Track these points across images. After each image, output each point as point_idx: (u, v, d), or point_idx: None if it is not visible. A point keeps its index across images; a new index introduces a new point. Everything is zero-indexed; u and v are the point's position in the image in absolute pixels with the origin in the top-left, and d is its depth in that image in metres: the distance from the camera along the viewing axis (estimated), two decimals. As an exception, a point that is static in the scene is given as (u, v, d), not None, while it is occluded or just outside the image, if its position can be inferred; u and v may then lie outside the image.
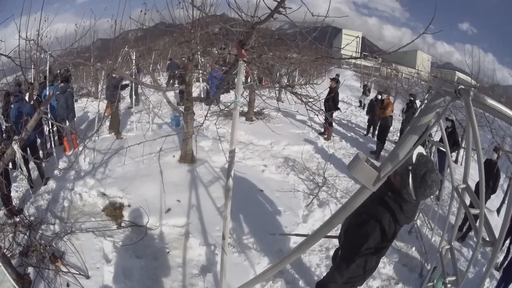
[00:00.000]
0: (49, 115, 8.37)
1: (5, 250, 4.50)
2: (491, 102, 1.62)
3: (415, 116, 1.94)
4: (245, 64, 3.81)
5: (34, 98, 9.23)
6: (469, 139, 1.88)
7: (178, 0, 7.27)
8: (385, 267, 5.66)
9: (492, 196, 7.76)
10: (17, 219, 5.83)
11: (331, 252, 5.59)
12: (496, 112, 1.68)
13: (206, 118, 5.84)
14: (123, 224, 6.25)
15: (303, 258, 5.61)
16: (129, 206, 6.67)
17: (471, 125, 1.74)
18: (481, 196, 2.06)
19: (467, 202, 2.83)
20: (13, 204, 6.60)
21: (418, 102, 12.54)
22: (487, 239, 2.29)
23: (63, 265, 4.99)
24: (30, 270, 4.83)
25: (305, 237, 2.87)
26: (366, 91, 22.04)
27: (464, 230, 7.06)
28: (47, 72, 8.92)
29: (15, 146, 4.40)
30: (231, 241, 5.70)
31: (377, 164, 2.03)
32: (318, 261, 5.61)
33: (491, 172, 7.33)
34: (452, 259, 3.29)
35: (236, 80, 3.70)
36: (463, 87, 1.68)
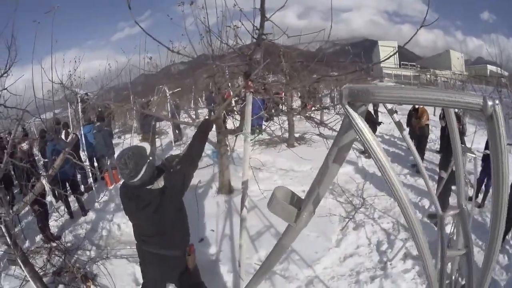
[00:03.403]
0: (85, 152, 8.77)
1: (38, 269, 4.76)
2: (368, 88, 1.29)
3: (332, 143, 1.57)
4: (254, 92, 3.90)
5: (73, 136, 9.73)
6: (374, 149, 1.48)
7: (200, 35, 7.38)
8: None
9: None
10: (54, 244, 6.20)
11: (361, 277, 5.60)
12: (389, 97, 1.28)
13: (233, 150, 5.94)
14: (158, 252, 6.40)
15: (331, 284, 5.53)
16: (165, 236, 6.81)
17: (356, 129, 1.36)
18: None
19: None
20: (51, 231, 7.02)
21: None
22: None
23: (94, 286, 5.27)
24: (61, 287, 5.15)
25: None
26: None
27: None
28: (80, 112, 9.31)
29: (44, 181, 4.64)
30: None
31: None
32: (347, 286, 5.51)
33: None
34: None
35: (245, 111, 3.80)
36: (346, 86, 1.36)
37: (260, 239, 6.36)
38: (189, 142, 3.79)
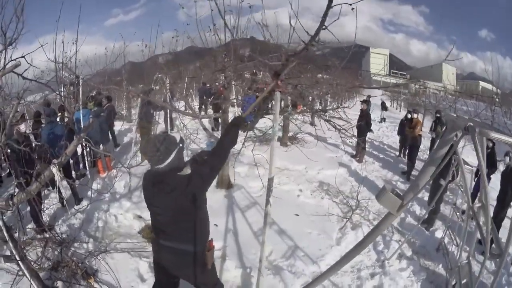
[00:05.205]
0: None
1: (32, 263, 4.50)
2: (494, 135, 2.01)
3: (433, 149, 2.39)
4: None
5: (66, 119, 9.45)
6: (482, 167, 2.20)
7: (209, 27, 7.32)
8: (413, 285, 5.74)
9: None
10: (48, 235, 5.81)
11: (363, 273, 5.87)
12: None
13: (244, 146, 5.91)
14: (160, 246, 6.24)
15: (335, 280, 5.67)
16: (166, 230, 6.70)
17: (477, 156, 2.11)
18: (487, 211, 2.50)
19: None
20: (44, 220, 6.53)
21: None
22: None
23: (95, 282, 5.02)
24: (59, 284, 4.88)
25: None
26: (384, 107, 25.50)
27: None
28: (80, 95, 9.01)
29: (54, 170, 4.40)
30: (267, 263, 5.71)
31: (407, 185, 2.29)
32: (350, 281, 5.72)
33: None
34: (469, 273, 3.42)
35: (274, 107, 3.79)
36: (471, 124, 2.03)
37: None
38: (220, 137, 3.71)
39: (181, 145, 3.27)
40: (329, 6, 2.97)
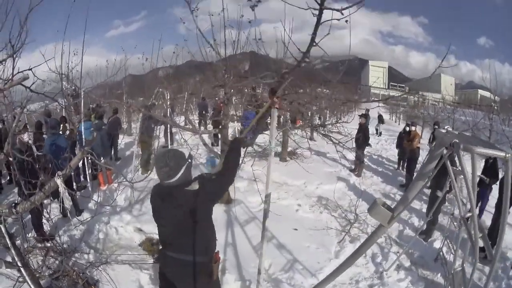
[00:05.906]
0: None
1: (33, 271, 4.50)
2: (479, 150, 2.13)
3: (422, 164, 2.53)
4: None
5: (69, 131, 9.50)
6: (467, 182, 2.33)
7: (208, 43, 7.36)
8: (411, 295, 5.80)
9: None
10: (49, 245, 5.90)
11: (361, 285, 5.94)
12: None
13: (243, 161, 5.97)
14: (161, 259, 6.29)
15: (333, 292, 5.72)
16: (167, 243, 6.75)
17: (462, 170, 2.30)
18: (475, 220, 2.67)
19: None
20: (45, 230, 6.76)
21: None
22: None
23: (96, 292, 5.04)
24: (60, 293, 4.89)
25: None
26: (380, 120, 25.21)
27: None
28: (81, 107, 9.05)
29: (59, 181, 4.45)
30: (266, 276, 5.77)
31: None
32: None
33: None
34: (463, 279, 3.49)
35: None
36: (456, 141, 2.20)
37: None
38: (223, 160, 3.76)
39: (189, 160, 3.32)
40: (317, 24, 3.07)
